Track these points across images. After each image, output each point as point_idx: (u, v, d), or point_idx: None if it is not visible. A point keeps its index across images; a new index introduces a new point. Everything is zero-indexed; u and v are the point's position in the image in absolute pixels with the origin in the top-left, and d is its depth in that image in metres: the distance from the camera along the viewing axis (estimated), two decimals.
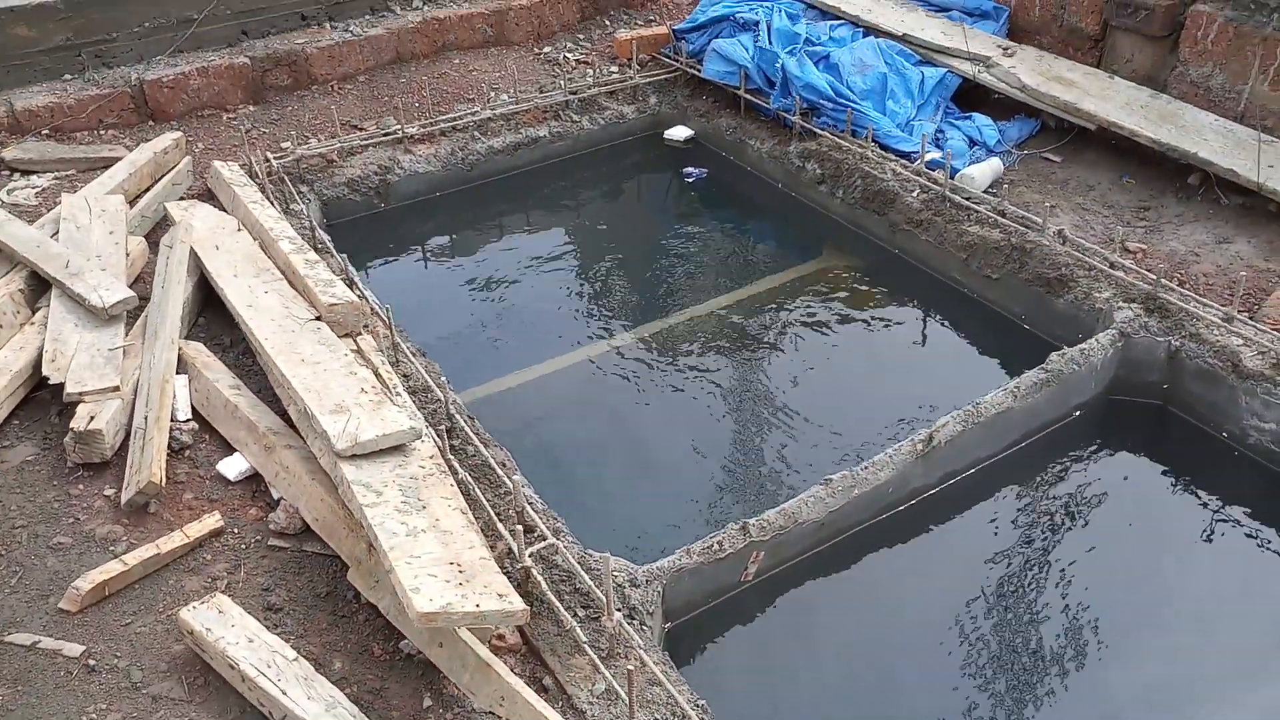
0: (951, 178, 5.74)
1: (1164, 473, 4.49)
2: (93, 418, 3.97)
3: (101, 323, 4.45)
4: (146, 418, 3.99)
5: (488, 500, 3.73)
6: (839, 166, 6.17)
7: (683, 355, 5.22)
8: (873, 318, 5.47)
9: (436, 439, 3.85)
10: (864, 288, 5.70)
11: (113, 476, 3.94)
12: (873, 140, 6.11)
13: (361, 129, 6.72)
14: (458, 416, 4.09)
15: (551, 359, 5.21)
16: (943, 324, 5.45)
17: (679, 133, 7.25)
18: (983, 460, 4.40)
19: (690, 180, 6.88)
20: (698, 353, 5.23)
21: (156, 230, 5.53)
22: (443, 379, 4.34)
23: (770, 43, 6.71)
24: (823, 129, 6.35)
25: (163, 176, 5.88)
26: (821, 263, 6.00)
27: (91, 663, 3.24)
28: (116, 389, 4.11)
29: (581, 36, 7.98)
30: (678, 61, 7.36)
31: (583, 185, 6.95)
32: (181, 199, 5.80)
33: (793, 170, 6.46)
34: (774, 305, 5.58)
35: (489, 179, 6.80)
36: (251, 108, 6.91)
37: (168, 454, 3.94)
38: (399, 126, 6.58)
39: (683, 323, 5.45)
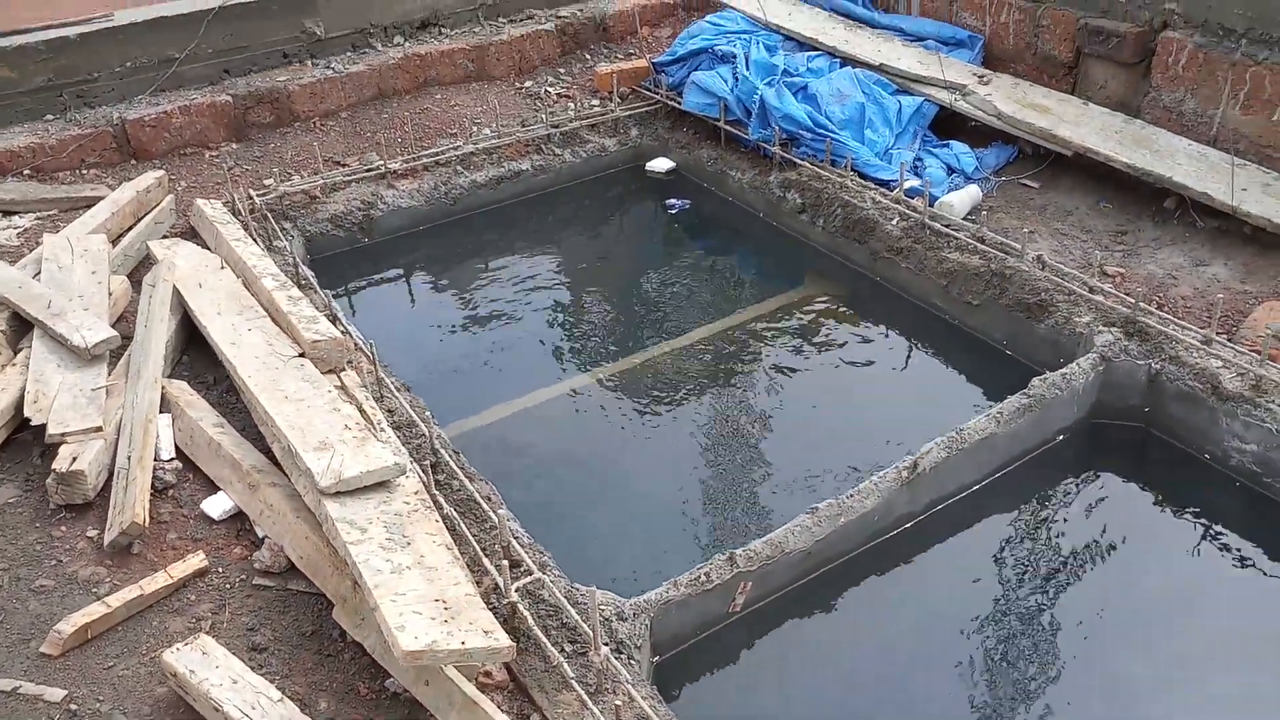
0: (930, 205, 5.77)
1: (1147, 495, 4.51)
2: (75, 458, 3.95)
3: (84, 363, 4.44)
4: (130, 458, 3.97)
5: (473, 535, 3.70)
6: (819, 196, 6.21)
7: (667, 386, 5.22)
8: (855, 345, 5.49)
9: (421, 474, 3.83)
10: (846, 316, 5.73)
11: (96, 517, 3.91)
12: (852, 169, 6.15)
13: (344, 165, 6.75)
14: (442, 451, 4.08)
15: (536, 391, 5.21)
16: (925, 350, 5.47)
17: (660, 164, 7.30)
18: (968, 486, 4.41)
19: (673, 211, 6.92)
20: (682, 383, 5.24)
21: (139, 269, 5.53)
22: (427, 414, 4.32)
23: (749, 74, 6.76)
24: (802, 159, 6.39)
25: (145, 215, 5.89)
26: (804, 291, 6.03)
27: (73, 707, 3.20)
28: (99, 429, 4.09)
29: (563, 71, 8.04)
30: (658, 94, 7.42)
31: (566, 218, 6.98)
32: (164, 237, 5.80)
33: (774, 200, 6.50)
34: (757, 335, 5.61)
35: (472, 213, 6.83)
36: (234, 145, 6.92)
37: (151, 494, 3.91)
38: (382, 162, 6.61)
39: (667, 353, 5.47)
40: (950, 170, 6.26)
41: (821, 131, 6.34)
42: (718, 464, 4.70)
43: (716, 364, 5.39)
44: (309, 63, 7.47)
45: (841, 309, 5.80)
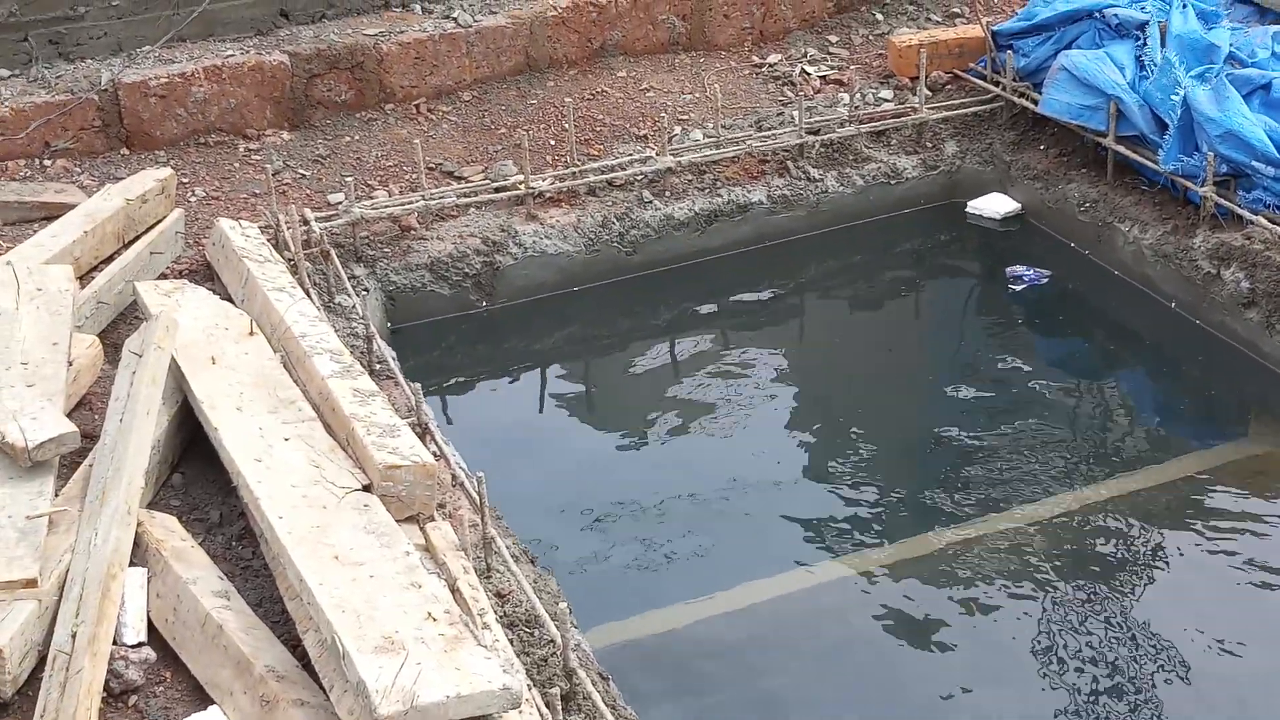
0: None
1: None
2: None
3: (20, 472, 4.57)
4: (75, 634, 4.03)
5: None
6: None
7: (992, 588, 5.15)
8: None
9: (544, 711, 3.81)
10: None
11: None
12: None
13: (460, 178, 6.91)
14: (581, 672, 4.06)
15: (754, 582, 5.25)
16: None
17: (995, 205, 7.28)
18: None
19: (1016, 289, 6.90)
20: (1020, 586, 5.16)
21: (120, 325, 5.70)
22: (562, 604, 4.36)
23: (1166, 58, 6.69)
24: (1255, 209, 6.27)
25: (136, 240, 6.09)
26: (1249, 447, 5.94)
27: None
28: (32, 583, 4.17)
29: (833, 39, 8.10)
30: (997, 85, 7.44)
31: (823, 287, 7.03)
32: (164, 276, 5.99)
33: (1198, 280, 6.40)
34: (1157, 516, 5.47)
35: (661, 269, 6.97)
36: (286, 135, 7.14)
37: (103, 701, 3.93)
38: (520, 177, 6.74)
39: (992, 534, 5.43)
40: None
41: None
42: None
43: (1080, 562, 5.27)
44: (416, 7, 7.69)
45: None
